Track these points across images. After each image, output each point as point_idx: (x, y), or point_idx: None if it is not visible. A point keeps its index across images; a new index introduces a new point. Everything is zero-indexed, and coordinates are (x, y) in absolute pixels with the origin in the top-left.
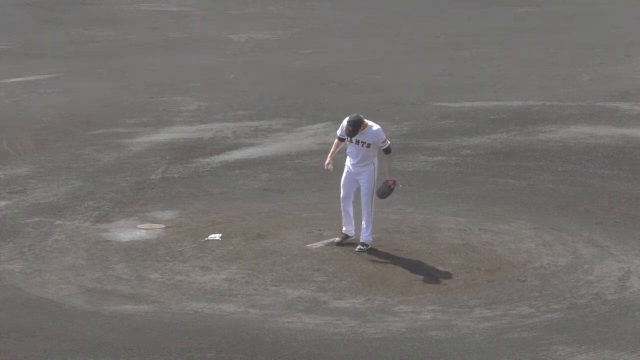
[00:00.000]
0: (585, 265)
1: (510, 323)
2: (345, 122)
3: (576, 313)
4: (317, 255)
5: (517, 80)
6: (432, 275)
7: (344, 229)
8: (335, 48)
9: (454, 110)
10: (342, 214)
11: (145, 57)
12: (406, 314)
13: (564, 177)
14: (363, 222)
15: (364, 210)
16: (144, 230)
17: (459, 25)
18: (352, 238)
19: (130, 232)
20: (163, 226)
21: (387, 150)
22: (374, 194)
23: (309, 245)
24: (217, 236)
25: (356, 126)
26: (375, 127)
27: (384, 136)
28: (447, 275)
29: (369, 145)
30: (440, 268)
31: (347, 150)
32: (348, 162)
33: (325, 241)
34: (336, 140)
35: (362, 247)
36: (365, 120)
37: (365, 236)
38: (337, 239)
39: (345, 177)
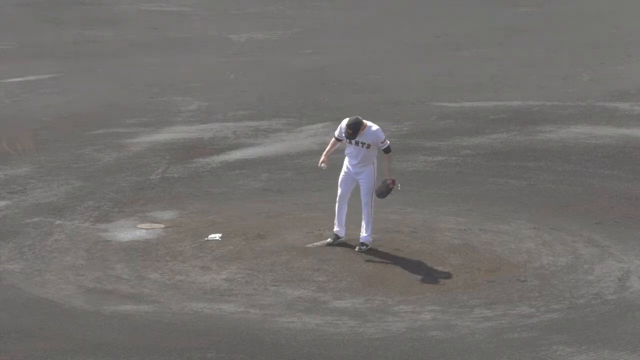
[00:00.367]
0: (585, 265)
1: (510, 323)
2: (344, 124)
3: (576, 313)
4: (317, 255)
5: (517, 80)
6: (432, 275)
7: (335, 229)
8: (335, 48)
9: (454, 110)
10: (336, 213)
11: (145, 57)
12: (406, 314)
13: (564, 177)
14: (363, 222)
15: (364, 210)
16: (144, 230)
17: (459, 25)
18: (343, 239)
19: (130, 232)
20: (163, 226)
21: (387, 150)
22: (374, 193)
23: (309, 245)
24: (217, 236)
25: (355, 129)
26: (375, 127)
27: (384, 136)
28: (447, 275)
29: (368, 146)
30: (440, 268)
31: (347, 151)
32: (347, 162)
33: (319, 242)
34: (333, 139)
35: (362, 247)
36: (364, 121)
37: (365, 236)
38: (329, 240)
39: (344, 176)
